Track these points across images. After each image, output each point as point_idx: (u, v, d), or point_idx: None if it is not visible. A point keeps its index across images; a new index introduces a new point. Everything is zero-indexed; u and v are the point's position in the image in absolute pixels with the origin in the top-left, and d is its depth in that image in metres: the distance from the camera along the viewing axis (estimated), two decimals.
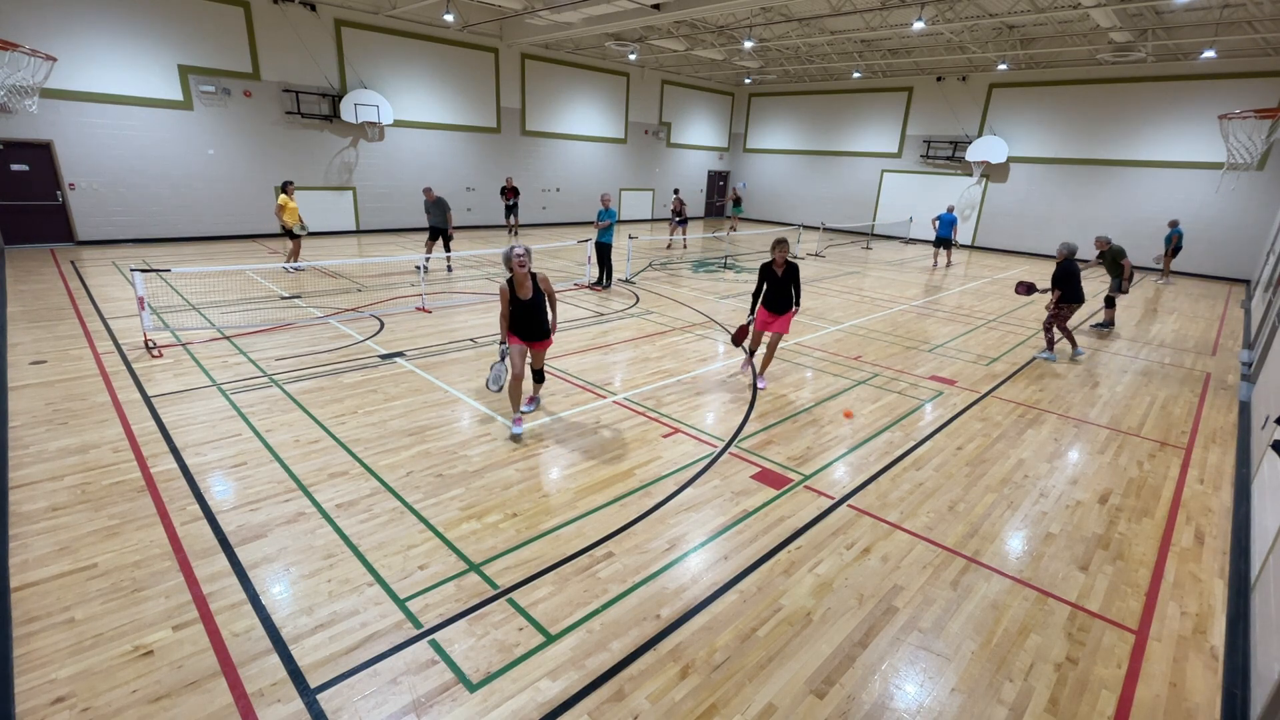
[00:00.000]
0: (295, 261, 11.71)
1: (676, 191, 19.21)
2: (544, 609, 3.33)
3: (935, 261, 16.91)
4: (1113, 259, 9.70)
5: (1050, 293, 8.35)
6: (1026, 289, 8.81)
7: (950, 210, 16.30)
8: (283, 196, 11.53)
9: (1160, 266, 15.81)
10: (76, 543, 3.70)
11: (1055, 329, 8.62)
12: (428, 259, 11.76)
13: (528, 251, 4.82)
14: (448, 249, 12.68)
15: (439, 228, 12.46)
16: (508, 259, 4.80)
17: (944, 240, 16.20)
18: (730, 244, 18.60)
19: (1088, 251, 11.65)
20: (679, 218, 17.52)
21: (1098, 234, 9.85)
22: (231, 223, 15.19)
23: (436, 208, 12.35)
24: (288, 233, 11.52)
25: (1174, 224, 15.39)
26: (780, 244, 6.34)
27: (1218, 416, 6.79)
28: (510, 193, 18.06)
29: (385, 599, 3.35)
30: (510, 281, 4.93)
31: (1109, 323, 10.46)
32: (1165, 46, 15.46)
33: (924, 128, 21.78)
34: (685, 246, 17.78)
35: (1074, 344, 8.71)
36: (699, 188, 27.09)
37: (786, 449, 5.38)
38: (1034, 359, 8.51)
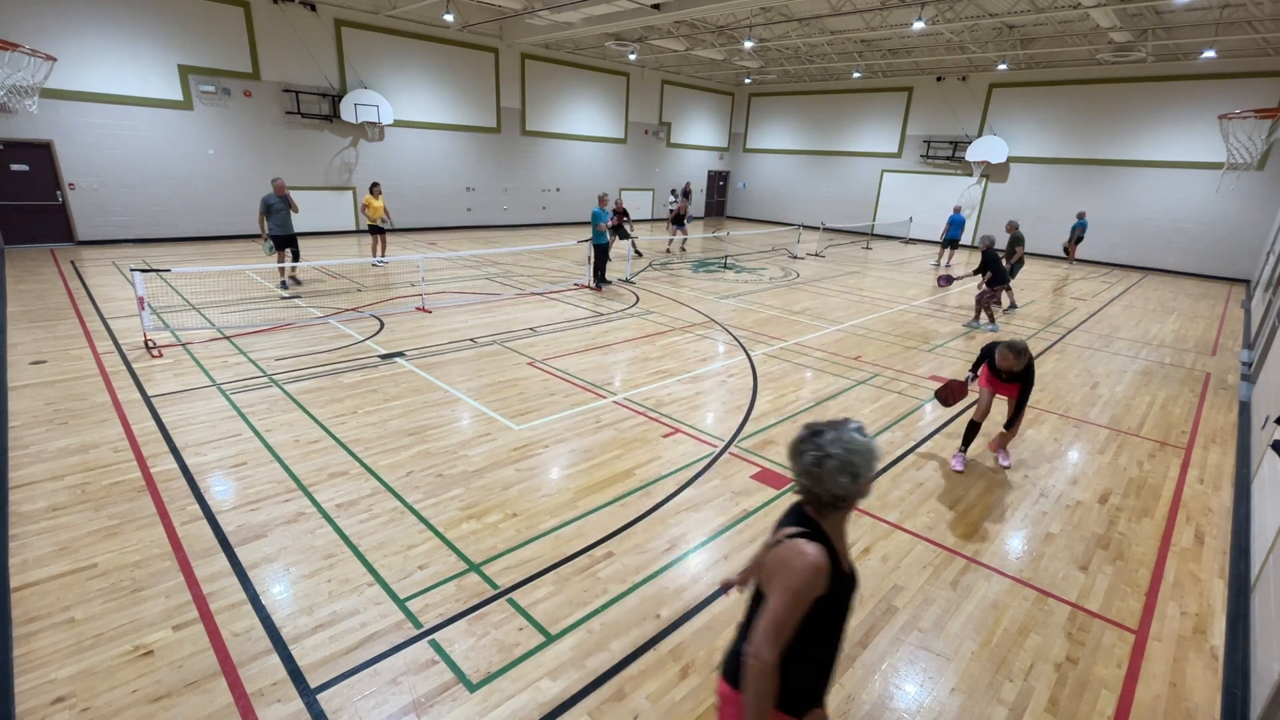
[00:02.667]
0: (382, 256, 12.72)
1: (674, 192, 18.99)
2: (544, 609, 3.33)
3: (939, 261, 16.91)
4: (1011, 245, 10.75)
5: (979, 275, 9.95)
6: (946, 281, 10.39)
7: (958, 211, 16.31)
8: (367, 196, 12.60)
9: (1066, 255, 17.72)
10: (76, 543, 3.70)
11: (987, 305, 10.10)
12: (289, 266, 10.29)
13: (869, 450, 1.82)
14: (296, 258, 10.55)
15: (287, 235, 10.35)
16: (847, 468, 1.75)
17: (952, 241, 16.22)
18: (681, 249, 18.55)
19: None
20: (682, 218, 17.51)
21: (1009, 219, 11.22)
22: (232, 223, 15.18)
23: (284, 204, 10.26)
24: (372, 229, 12.67)
25: (1081, 215, 16.88)
26: (1018, 354, 4.78)
27: (1218, 416, 6.78)
28: (619, 215, 14.25)
29: (385, 599, 3.35)
30: (826, 541, 1.71)
31: (1012, 304, 11.60)
32: (1165, 46, 15.46)
33: (924, 128, 21.78)
34: (684, 249, 17.75)
35: (992, 319, 10.10)
36: (699, 187, 27.09)
37: (786, 449, 5.36)
38: (970, 330, 9.91)
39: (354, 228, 17.25)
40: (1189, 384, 7.84)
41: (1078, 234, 16.97)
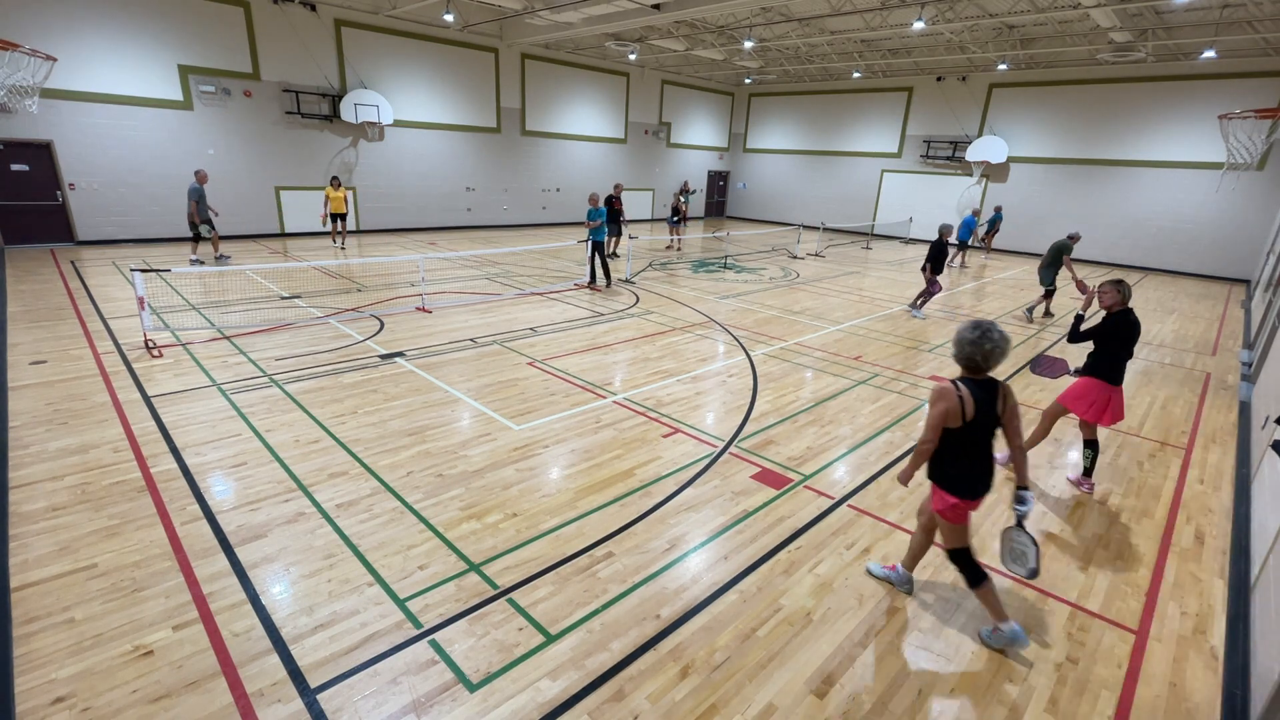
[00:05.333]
0: (341, 243, 14.94)
1: (686, 191, 18.53)
2: (544, 609, 3.33)
3: (953, 260, 16.78)
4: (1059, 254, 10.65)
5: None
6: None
7: (975, 214, 16.28)
8: (328, 188, 14.36)
9: (983, 245, 18.88)
10: (76, 543, 3.70)
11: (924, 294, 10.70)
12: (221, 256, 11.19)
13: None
14: (199, 242, 11.88)
15: (206, 219, 11.54)
16: (991, 343, 2.75)
17: (961, 243, 16.20)
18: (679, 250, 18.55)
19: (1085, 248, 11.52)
20: (677, 217, 17.51)
21: (1073, 231, 11.22)
22: (231, 223, 15.17)
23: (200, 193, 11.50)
24: (333, 218, 14.53)
25: (998, 209, 18.16)
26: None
27: (1218, 416, 6.78)
28: (617, 201, 14.29)
29: (385, 599, 3.35)
30: (972, 387, 2.83)
31: (1048, 311, 11.34)
32: (1165, 46, 15.46)
33: (924, 128, 21.78)
34: (680, 249, 17.74)
35: (919, 305, 10.77)
36: (699, 187, 27.08)
37: (786, 449, 5.37)
38: (913, 316, 10.64)
39: (354, 228, 17.23)
40: (1189, 384, 7.83)
41: (996, 226, 18.35)
